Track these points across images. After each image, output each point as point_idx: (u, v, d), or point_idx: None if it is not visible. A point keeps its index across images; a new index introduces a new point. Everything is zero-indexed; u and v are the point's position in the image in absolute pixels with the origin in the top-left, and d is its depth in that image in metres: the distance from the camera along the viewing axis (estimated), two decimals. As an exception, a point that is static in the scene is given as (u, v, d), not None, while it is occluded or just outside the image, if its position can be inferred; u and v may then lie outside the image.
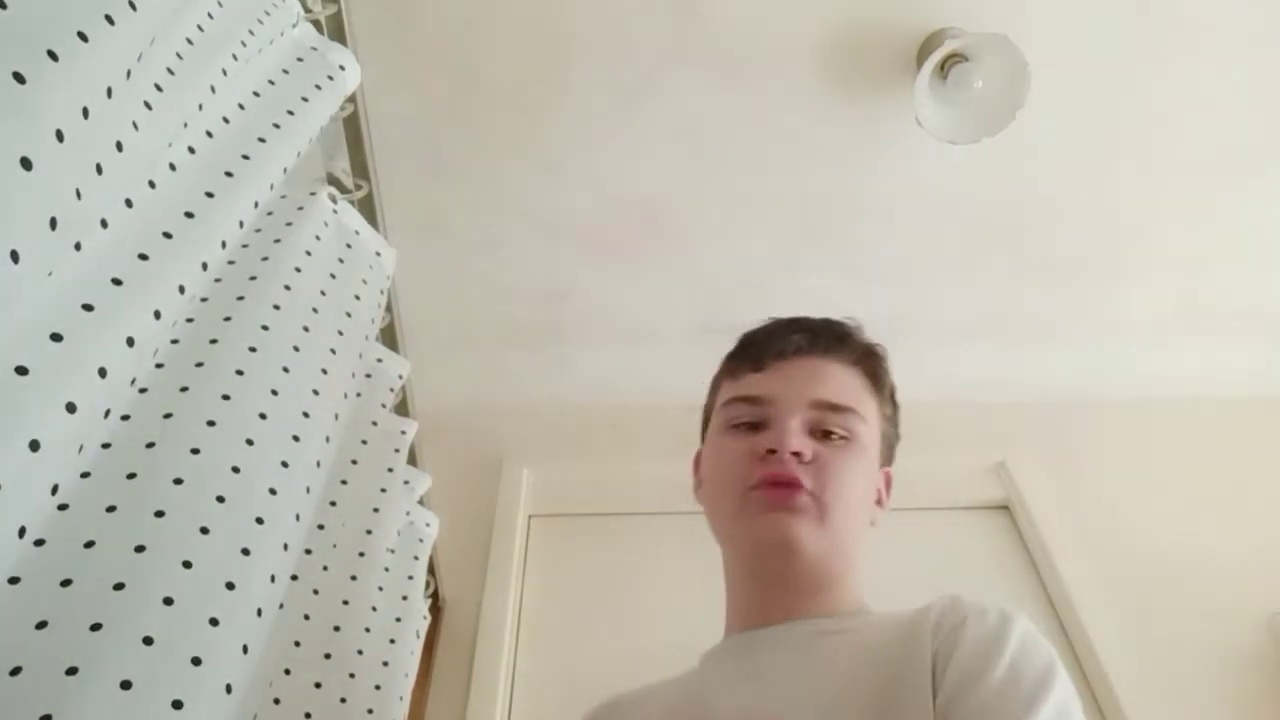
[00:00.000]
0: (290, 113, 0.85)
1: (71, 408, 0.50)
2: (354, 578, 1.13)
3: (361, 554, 1.16)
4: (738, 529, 0.82)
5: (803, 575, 0.79)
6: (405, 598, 1.27)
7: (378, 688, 1.14)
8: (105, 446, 0.64)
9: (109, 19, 0.52)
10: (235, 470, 0.70)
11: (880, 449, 0.87)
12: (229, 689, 0.60)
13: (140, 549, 0.60)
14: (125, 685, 0.54)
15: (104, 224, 0.59)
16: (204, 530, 0.64)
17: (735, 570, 0.86)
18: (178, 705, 0.56)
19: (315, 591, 1.03)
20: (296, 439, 0.78)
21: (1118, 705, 1.45)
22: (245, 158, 0.77)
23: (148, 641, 0.56)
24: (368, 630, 1.14)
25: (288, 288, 0.88)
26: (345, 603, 1.10)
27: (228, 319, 0.80)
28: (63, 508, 0.59)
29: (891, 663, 0.67)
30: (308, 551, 0.91)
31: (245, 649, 0.63)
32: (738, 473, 0.81)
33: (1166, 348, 1.96)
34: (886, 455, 0.89)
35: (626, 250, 1.79)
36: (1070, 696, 0.63)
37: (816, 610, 0.79)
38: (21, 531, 0.47)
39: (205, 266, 0.68)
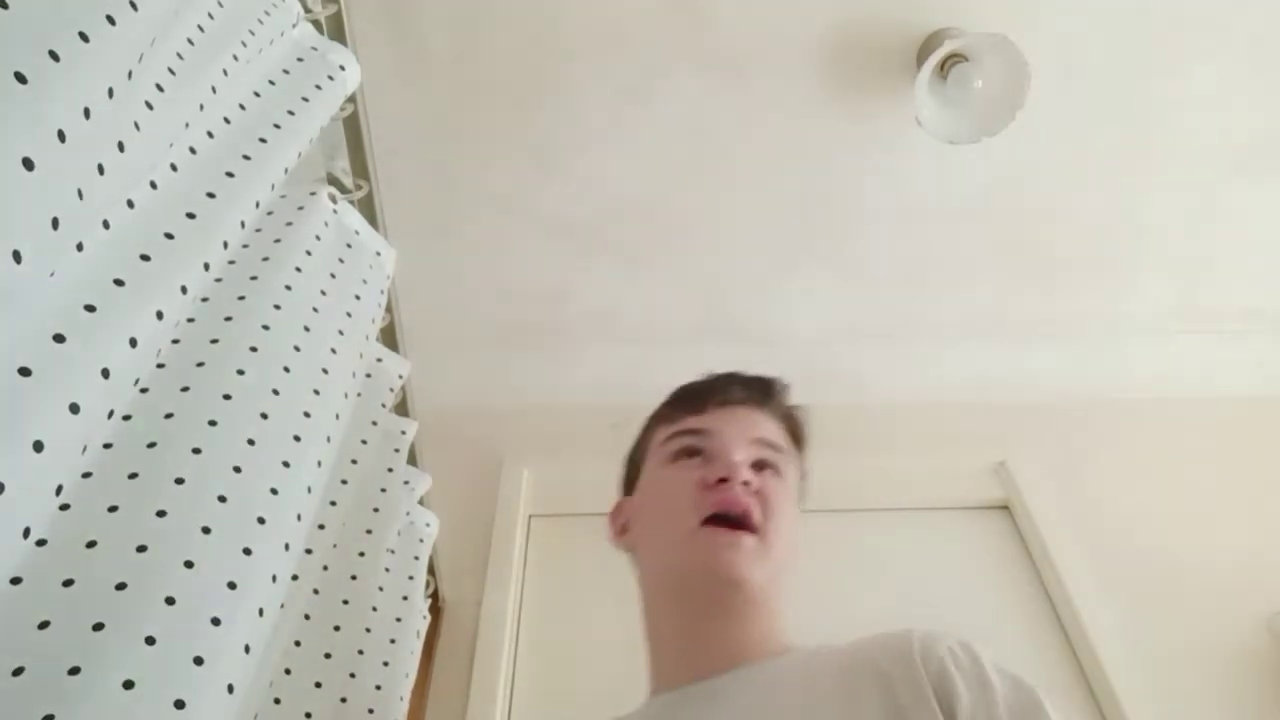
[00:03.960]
0: (291, 113, 0.85)
1: (75, 408, 0.50)
2: (354, 577, 1.13)
3: (362, 554, 1.16)
4: (683, 563, 0.81)
5: (742, 609, 0.79)
6: (406, 598, 1.27)
7: (378, 688, 1.14)
8: (107, 446, 0.64)
9: (110, 19, 0.52)
10: (237, 470, 0.70)
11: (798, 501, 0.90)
12: (231, 689, 0.60)
13: (142, 549, 0.60)
14: (128, 685, 0.54)
15: (106, 225, 0.59)
16: (206, 530, 0.64)
17: (668, 608, 0.85)
18: (180, 705, 0.56)
19: (315, 591, 1.03)
20: (298, 439, 0.78)
21: (1118, 705, 1.45)
22: (246, 158, 0.77)
23: (150, 641, 0.56)
24: (368, 630, 1.14)
25: (288, 287, 0.88)
26: (345, 602, 1.10)
27: (228, 319, 0.80)
28: (64, 508, 0.59)
29: (879, 683, 0.69)
30: (308, 551, 0.91)
31: (247, 649, 0.63)
32: (687, 504, 0.81)
33: (1166, 348, 1.96)
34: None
35: (626, 250, 1.79)
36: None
37: (751, 652, 0.78)
38: (26, 532, 0.47)
39: (207, 267, 0.68)
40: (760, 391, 0.93)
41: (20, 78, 0.45)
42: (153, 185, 0.66)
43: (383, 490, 1.23)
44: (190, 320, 0.77)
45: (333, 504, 1.02)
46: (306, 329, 0.88)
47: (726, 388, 0.92)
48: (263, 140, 0.80)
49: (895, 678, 0.68)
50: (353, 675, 1.07)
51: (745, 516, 0.79)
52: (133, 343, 0.57)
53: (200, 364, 0.74)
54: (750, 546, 0.78)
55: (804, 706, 0.71)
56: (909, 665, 0.69)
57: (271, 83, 0.86)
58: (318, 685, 0.99)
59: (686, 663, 0.80)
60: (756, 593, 0.78)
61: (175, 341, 0.74)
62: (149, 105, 0.60)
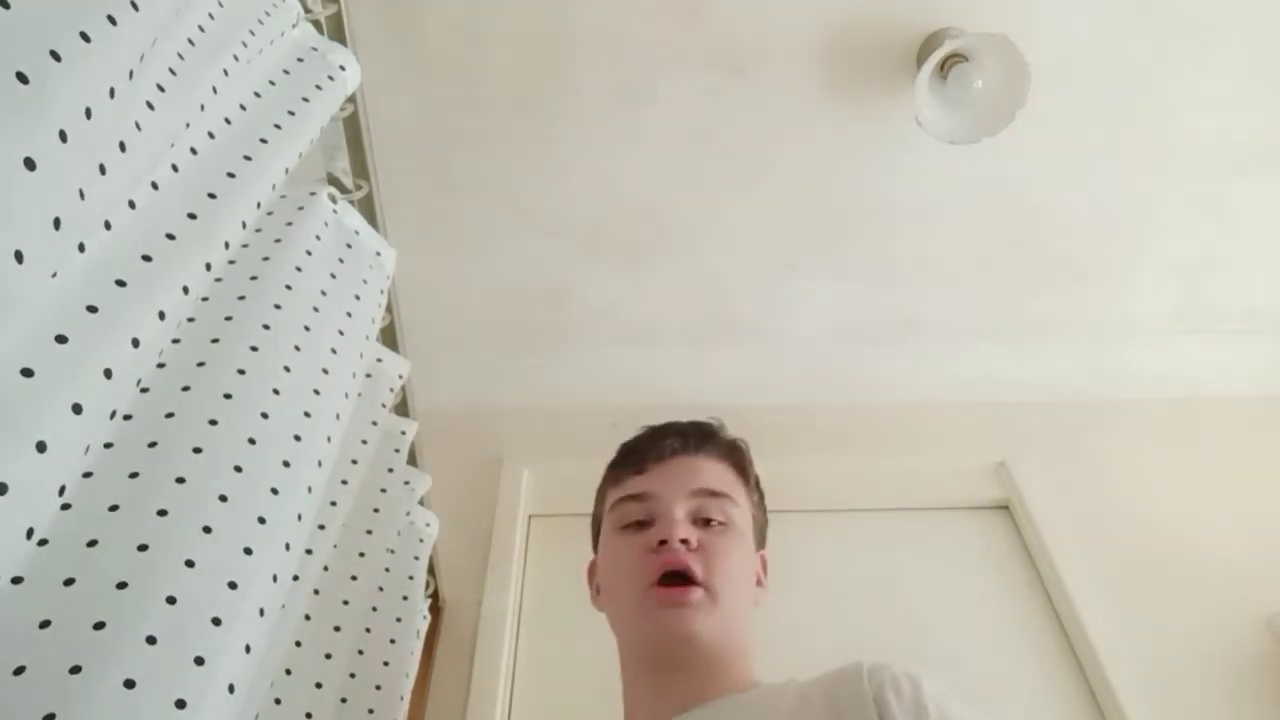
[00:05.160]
0: (291, 113, 0.85)
1: (77, 409, 0.50)
2: (354, 578, 1.13)
3: (362, 554, 1.16)
4: (637, 626, 0.87)
5: (699, 661, 0.83)
6: (405, 598, 1.28)
7: (378, 688, 1.14)
8: (108, 446, 0.64)
9: (111, 19, 0.52)
10: (238, 469, 0.70)
11: (754, 532, 0.94)
12: (232, 689, 0.60)
13: (143, 548, 0.60)
14: (129, 684, 0.54)
15: (107, 225, 0.59)
16: (206, 529, 0.64)
17: (634, 665, 0.89)
18: (181, 705, 0.56)
19: (316, 591, 1.03)
20: (298, 438, 0.78)
21: (1118, 705, 1.45)
22: (247, 158, 0.77)
23: (151, 641, 0.56)
24: (368, 630, 1.14)
25: (289, 287, 0.88)
26: (345, 603, 1.10)
27: (229, 318, 0.80)
28: (66, 507, 0.59)
29: (828, 702, 0.72)
30: (308, 551, 0.91)
31: (248, 649, 0.63)
32: (635, 570, 0.86)
33: (1167, 348, 1.96)
34: (759, 538, 0.96)
35: (626, 250, 1.79)
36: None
37: (713, 693, 0.82)
38: (29, 533, 0.47)
39: (208, 267, 0.68)
40: (696, 438, 0.96)
41: (22, 78, 0.46)
42: (154, 186, 0.66)
43: (383, 490, 1.23)
44: (191, 320, 0.77)
45: (333, 504, 1.02)
46: (307, 329, 0.88)
47: (661, 442, 0.96)
48: (263, 140, 0.80)
49: (842, 695, 0.72)
50: (353, 675, 1.08)
51: (688, 573, 0.83)
52: (135, 343, 0.57)
53: (201, 363, 0.74)
54: (697, 601, 0.82)
55: None
56: (856, 683, 0.72)
57: (272, 83, 0.86)
58: (318, 686, 0.99)
59: (648, 714, 0.85)
60: (709, 646, 0.82)
61: (176, 341, 0.74)
62: (150, 105, 0.60)
